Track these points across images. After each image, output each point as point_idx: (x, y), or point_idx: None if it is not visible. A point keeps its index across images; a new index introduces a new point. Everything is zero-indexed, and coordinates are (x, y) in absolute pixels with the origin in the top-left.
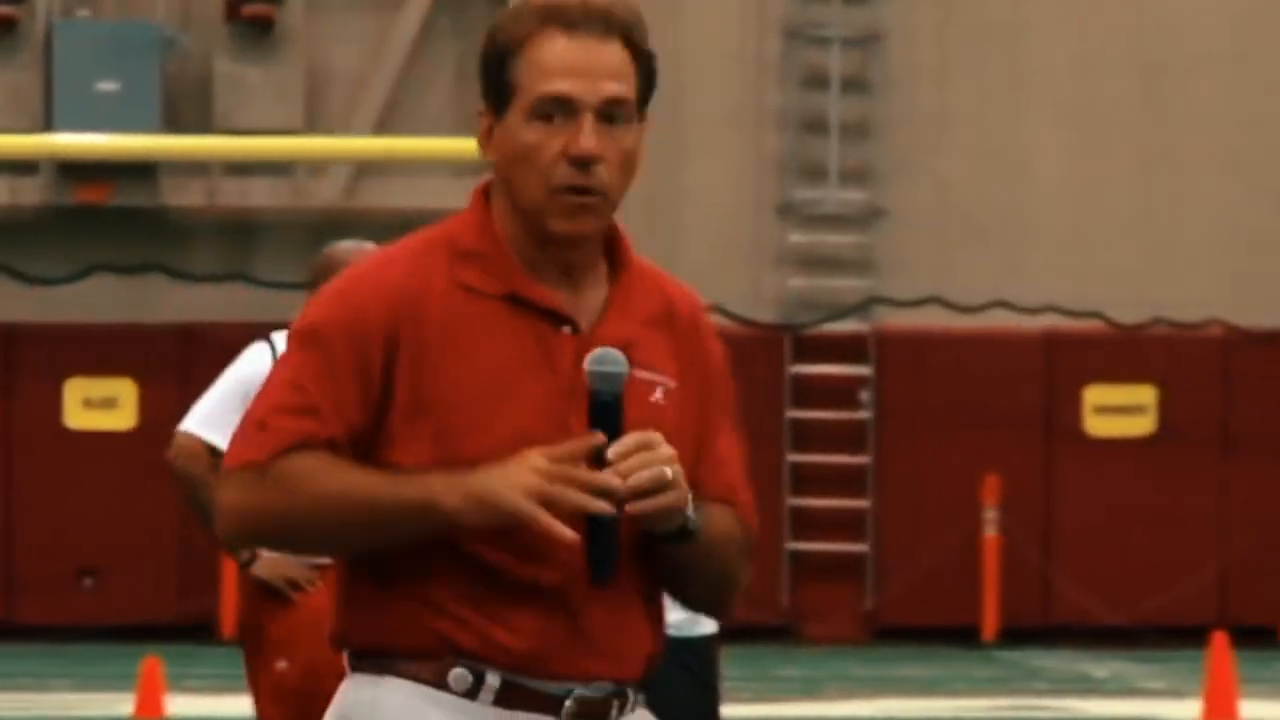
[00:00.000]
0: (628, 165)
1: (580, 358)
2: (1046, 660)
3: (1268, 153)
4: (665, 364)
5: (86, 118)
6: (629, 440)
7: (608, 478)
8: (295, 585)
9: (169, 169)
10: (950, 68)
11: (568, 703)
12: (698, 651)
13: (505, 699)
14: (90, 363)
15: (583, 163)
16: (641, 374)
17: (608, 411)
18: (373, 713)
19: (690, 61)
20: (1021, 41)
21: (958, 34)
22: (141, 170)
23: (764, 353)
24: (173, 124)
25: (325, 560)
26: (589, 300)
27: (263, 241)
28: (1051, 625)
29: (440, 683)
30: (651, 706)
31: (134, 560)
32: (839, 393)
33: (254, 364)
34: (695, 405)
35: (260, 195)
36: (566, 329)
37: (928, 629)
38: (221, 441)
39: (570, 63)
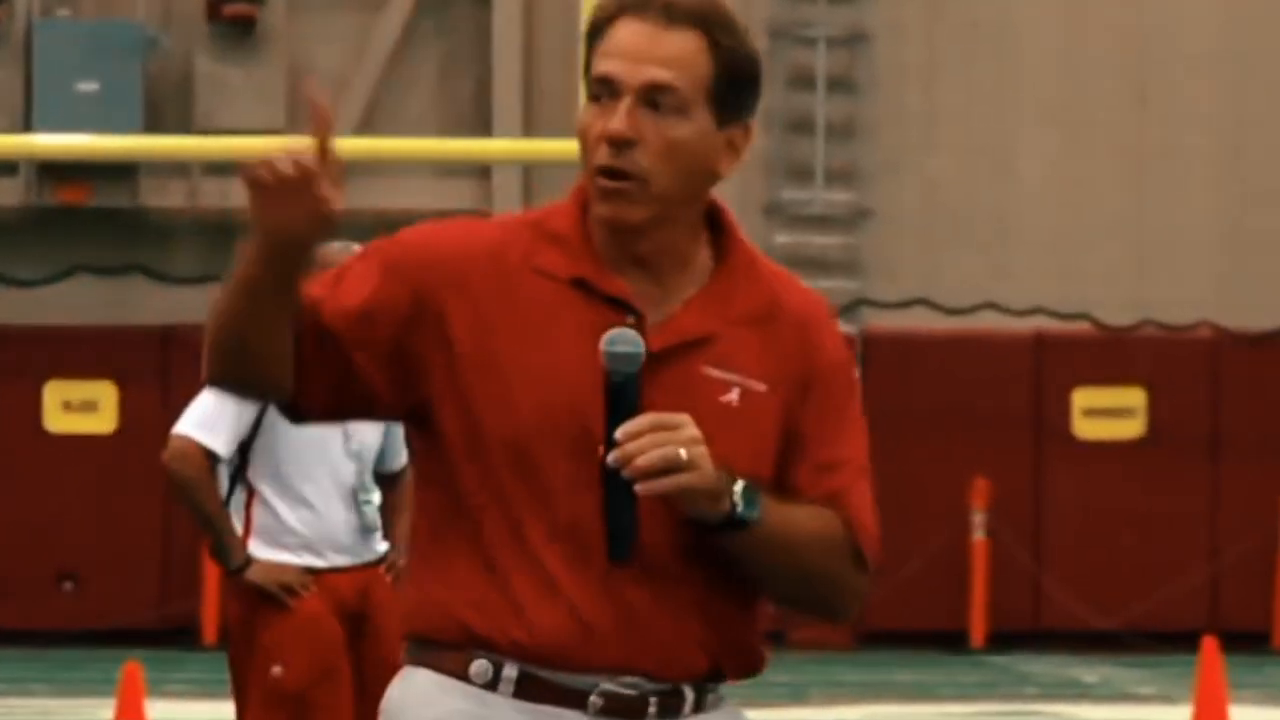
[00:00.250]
0: (674, 155)
1: (652, 347)
2: (1035, 665)
3: (1257, 153)
4: (751, 365)
5: (66, 118)
6: (642, 420)
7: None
8: (290, 590)
9: (149, 169)
10: (938, 67)
11: (592, 697)
12: None
13: (524, 691)
14: (70, 365)
15: (614, 144)
16: (713, 372)
17: (619, 392)
18: (400, 705)
19: None
20: (1009, 41)
21: (945, 33)
22: (122, 171)
23: None
24: (153, 124)
25: (319, 564)
26: (671, 292)
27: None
28: (1041, 630)
29: (463, 674)
30: None
31: (114, 564)
32: None
33: None
34: (787, 409)
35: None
36: (631, 318)
37: (915, 634)
38: (216, 444)
39: (624, 46)
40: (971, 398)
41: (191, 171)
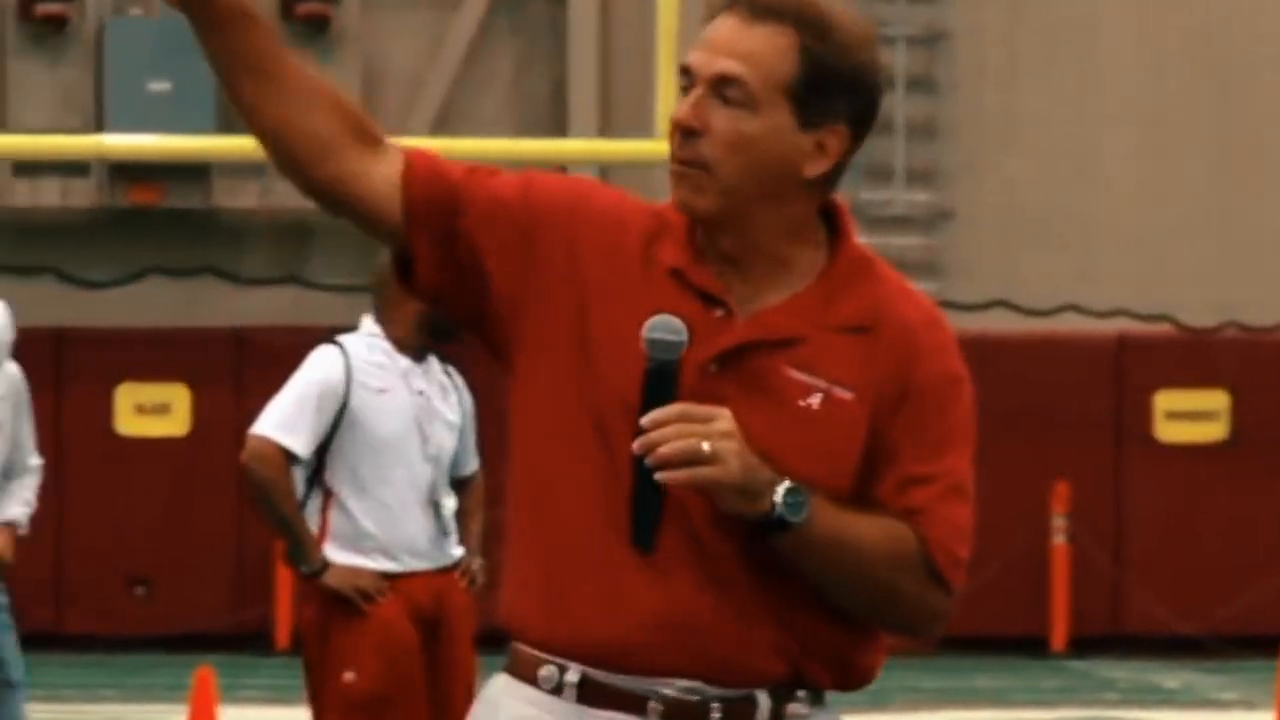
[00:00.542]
0: (740, 149)
1: (727, 340)
2: (1116, 670)
3: None
4: (841, 372)
5: (138, 118)
6: (670, 409)
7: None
8: (366, 595)
9: (222, 170)
10: (1018, 67)
11: (651, 702)
12: None
13: (586, 696)
14: (142, 367)
15: (681, 131)
16: (796, 374)
17: (654, 379)
18: (473, 710)
19: None
20: (1091, 41)
21: (1026, 33)
22: (194, 171)
23: None
24: (226, 124)
25: (395, 568)
26: (765, 291)
27: (316, 244)
28: (1122, 634)
29: (533, 678)
30: None
31: (187, 569)
32: None
33: (327, 367)
34: (876, 420)
35: None
36: (719, 311)
37: (996, 638)
38: (296, 445)
39: (709, 38)
40: (1052, 400)
41: (265, 172)
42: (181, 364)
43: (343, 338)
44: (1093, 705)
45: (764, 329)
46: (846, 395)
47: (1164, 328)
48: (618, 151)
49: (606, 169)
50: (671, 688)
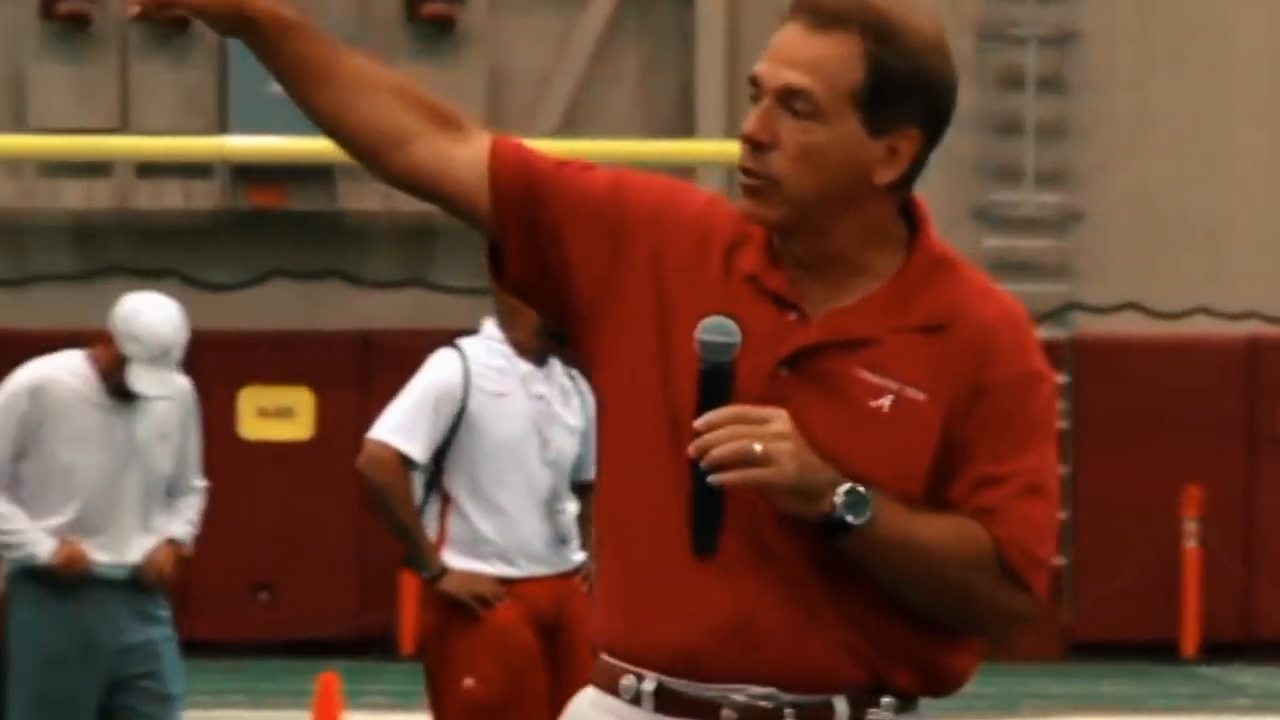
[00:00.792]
0: (809, 160)
1: (797, 342)
2: (1248, 677)
3: None
4: (914, 373)
5: (262, 120)
6: (725, 411)
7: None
8: (483, 600)
9: (345, 172)
10: (1149, 67)
11: (725, 710)
12: None
13: (663, 705)
14: (265, 371)
15: (750, 144)
16: (867, 375)
17: (708, 381)
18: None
19: None
20: (1224, 40)
21: (1157, 32)
22: (318, 173)
23: None
24: None
25: (514, 574)
26: (841, 295)
27: (442, 246)
28: (1254, 640)
29: (615, 688)
30: None
31: (310, 574)
32: None
33: (445, 371)
34: (950, 421)
35: None
36: (792, 315)
37: (1126, 644)
38: (413, 449)
39: (775, 47)
40: (1184, 404)
41: None
42: (305, 367)
43: (463, 341)
44: (1224, 712)
45: (834, 330)
46: (919, 396)
47: None
48: None
49: (734, 170)
50: (744, 694)
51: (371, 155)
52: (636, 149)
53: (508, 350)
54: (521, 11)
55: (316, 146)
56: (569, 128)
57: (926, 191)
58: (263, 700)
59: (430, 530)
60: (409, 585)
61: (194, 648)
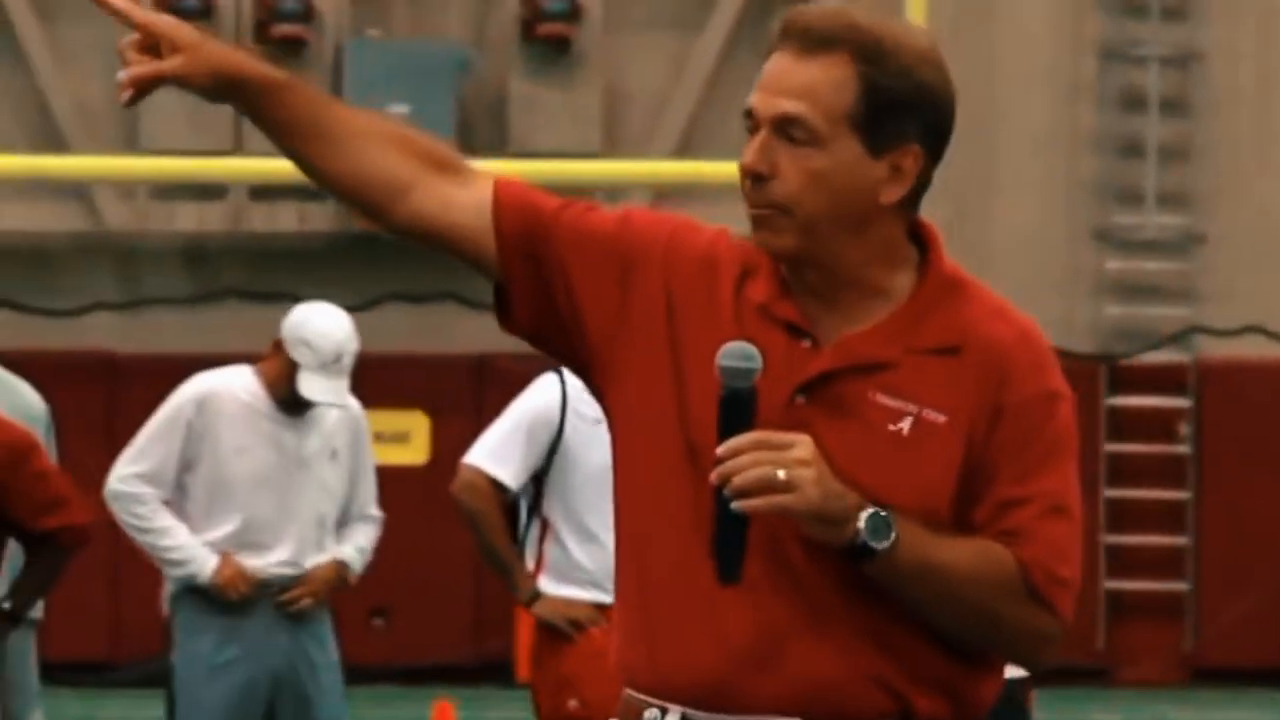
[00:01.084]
0: (814, 186)
1: (813, 369)
2: None
3: None
4: (932, 395)
5: None
6: (746, 437)
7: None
8: (577, 625)
9: None
10: (1273, 87)
11: None
12: (1008, 694)
13: None
14: (381, 395)
15: (750, 177)
16: (885, 399)
17: (729, 407)
18: None
19: (1003, 83)
20: None
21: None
22: None
23: (1080, 384)
24: (466, 147)
25: (607, 600)
26: (854, 319)
27: None
28: None
29: None
30: None
31: (427, 599)
32: (1158, 425)
33: (543, 396)
34: (970, 443)
35: None
36: (806, 342)
37: (1250, 671)
38: (505, 475)
39: (765, 78)
40: None
41: None
42: (421, 391)
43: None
44: None
45: (849, 356)
46: (939, 419)
47: None
48: None
49: None
50: None
51: (375, 208)
52: None
53: None
54: (638, 31)
55: None
56: (686, 149)
57: (1048, 213)
58: None
59: (530, 555)
60: (524, 611)
61: None
